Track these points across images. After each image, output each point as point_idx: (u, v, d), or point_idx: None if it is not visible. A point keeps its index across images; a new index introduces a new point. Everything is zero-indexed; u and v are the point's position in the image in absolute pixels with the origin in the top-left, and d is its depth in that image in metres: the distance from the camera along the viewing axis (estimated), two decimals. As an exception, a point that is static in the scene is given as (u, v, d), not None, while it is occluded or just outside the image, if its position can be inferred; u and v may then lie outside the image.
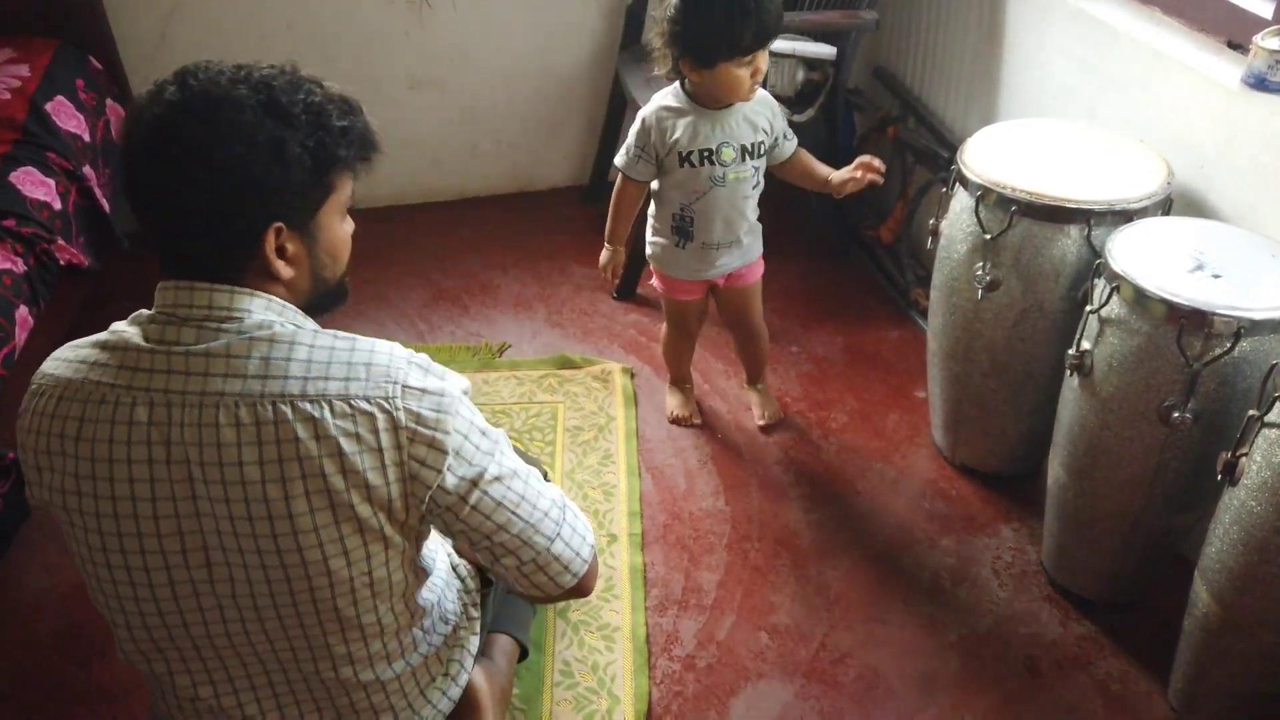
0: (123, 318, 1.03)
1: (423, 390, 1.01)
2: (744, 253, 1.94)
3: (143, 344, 0.98)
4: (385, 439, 0.98)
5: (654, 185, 1.90)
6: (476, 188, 2.98)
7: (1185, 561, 1.57)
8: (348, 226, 1.09)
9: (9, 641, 1.73)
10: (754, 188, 1.86)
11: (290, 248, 1.00)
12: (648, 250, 1.99)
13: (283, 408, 0.96)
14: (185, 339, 0.97)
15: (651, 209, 1.94)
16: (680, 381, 2.22)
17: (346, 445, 0.97)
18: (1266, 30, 1.60)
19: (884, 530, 1.92)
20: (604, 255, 1.97)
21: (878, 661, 1.67)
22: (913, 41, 2.58)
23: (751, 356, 2.17)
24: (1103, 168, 1.70)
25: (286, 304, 1.03)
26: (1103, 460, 1.58)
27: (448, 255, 2.73)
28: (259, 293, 1.00)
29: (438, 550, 1.32)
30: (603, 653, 1.68)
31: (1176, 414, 1.44)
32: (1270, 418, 1.29)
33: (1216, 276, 1.44)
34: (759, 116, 1.81)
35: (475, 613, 1.37)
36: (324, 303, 1.10)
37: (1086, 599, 1.76)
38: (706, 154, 1.79)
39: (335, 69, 2.62)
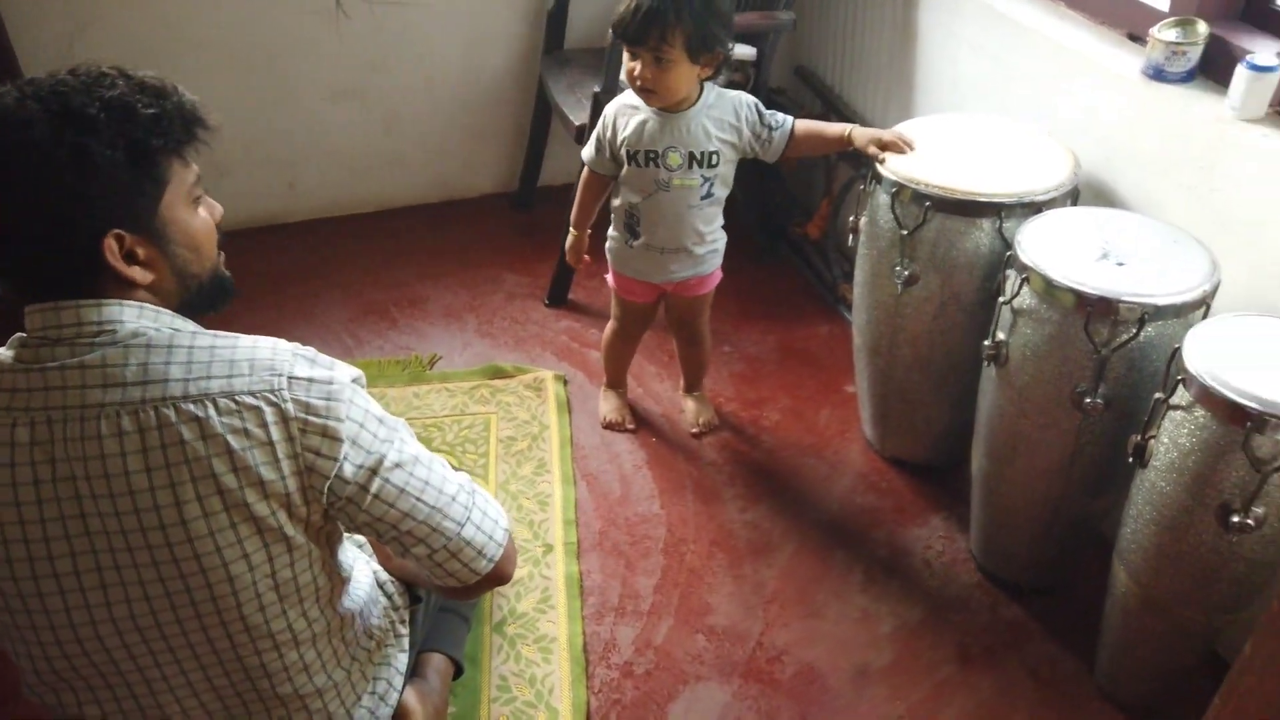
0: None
1: (310, 380, 1.00)
2: (697, 264, 1.92)
3: (16, 365, 0.96)
4: (275, 432, 0.97)
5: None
6: (402, 198, 2.94)
7: (1106, 543, 1.61)
8: (205, 214, 1.05)
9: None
10: (704, 198, 1.82)
11: (141, 251, 0.97)
12: (607, 245, 1.97)
13: (165, 411, 0.94)
14: (59, 356, 0.95)
15: (612, 206, 1.93)
16: (616, 385, 2.21)
17: (235, 442, 0.95)
18: (1163, 22, 1.64)
19: (818, 525, 1.93)
20: (569, 239, 1.97)
21: (813, 657, 1.68)
22: (831, 40, 2.61)
23: (693, 363, 2.16)
24: (1013, 160, 1.73)
25: (160, 309, 1.00)
26: (1021, 448, 1.61)
27: (374, 267, 2.69)
28: (128, 301, 0.97)
29: (358, 561, 1.30)
30: (540, 665, 1.67)
31: (1088, 399, 1.47)
32: (1174, 400, 1.33)
33: (1121, 264, 1.47)
34: (719, 124, 1.78)
35: (403, 629, 1.35)
36: (204, 300, 1.07)
37: (1014, 584, 1.79)
38: (652, 156, 1.78)
39: (251, 84, 2.59)
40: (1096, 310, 1.42)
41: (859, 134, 1.80)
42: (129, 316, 0.96)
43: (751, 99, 1.83)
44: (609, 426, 2.17)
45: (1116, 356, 1.44)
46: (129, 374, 0.94)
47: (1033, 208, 1.64)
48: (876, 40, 2.39)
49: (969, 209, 1.65)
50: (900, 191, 1.70)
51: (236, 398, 0.96)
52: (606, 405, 2.20)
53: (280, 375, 0.98)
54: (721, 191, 1.86)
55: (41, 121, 0.90)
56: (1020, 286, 1.52)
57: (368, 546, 1.41)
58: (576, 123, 2.32)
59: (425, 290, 2.61)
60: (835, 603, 1.78)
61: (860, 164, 2.36)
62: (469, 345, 2.42)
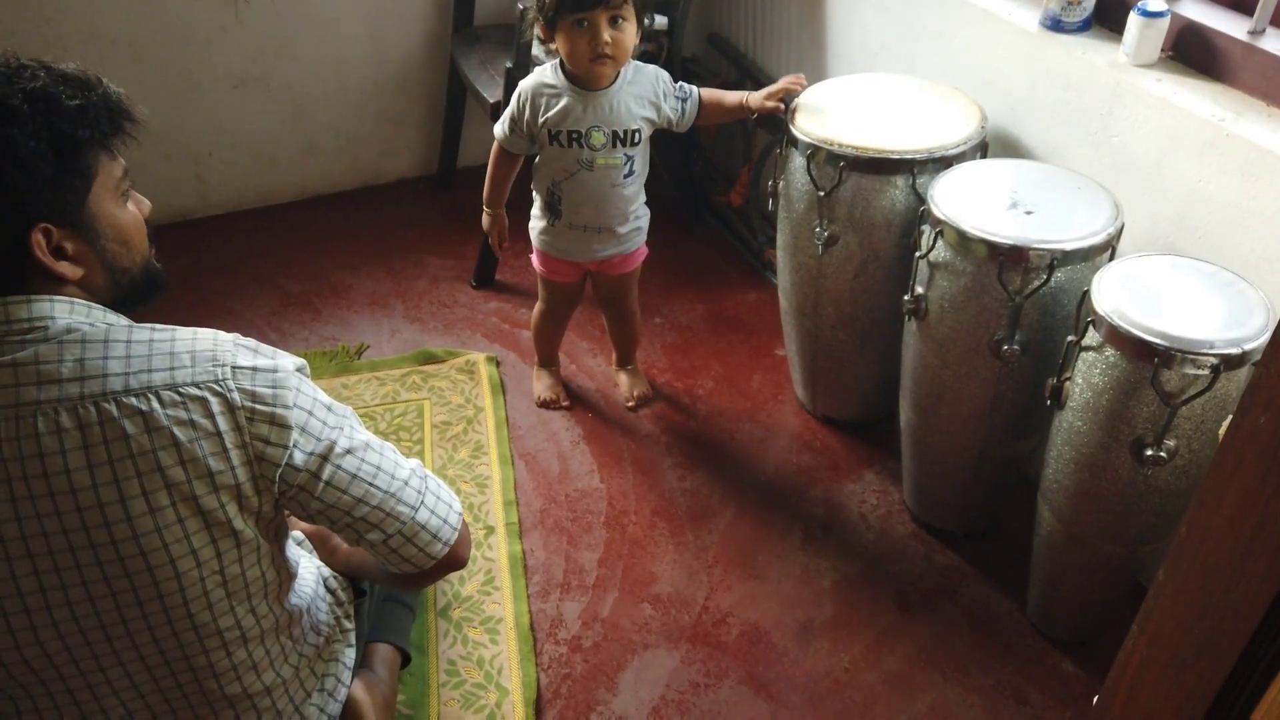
0: None
1: (254, 369, 0.99)
2: (621, 243, 1.92)
3: None
4: (223, 422, 0.95)
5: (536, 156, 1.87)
6: (318, 186, 2.87)
7: (1032, 486, 1.66)
8: (133, 207, 1.03)
9: None
10: (626, 176, 1.82)
11: (69, 246, 0.95)
12: (530, 224, 1.95)
13: (106, 406, 0.92)
14: None
15: (533, 186, 1.90)
16: (548, 364, 2.21)
17: (181, 434, 0.93)
18: (1057, -27, 1.68)
19: (756, 488, 1.96)
20: (485, 219, 1.95)
21: (758, 617, 1.71)
22: (741, 6, 2.61)
23: (623, 338, 2.16)
24: (923, 117, 1.76)
25: (91, 304, 0.97)
26: (945, 398, 1.65)
27: (294, 259, 2.63)
28: (58, 297, 0.94)
29: (302, 559, 1.28)
30: (488, 646, 1.67)
31: (1006, 347, 1.51)
32: (1086, 341, 1.37)
33: (1029, 213, 1.51)
34: (639, 101, 1.77)
35: (349, 624, 1.34)
36: (135, 294, 1.04)
37: (947, 531, 1.84)
38: (575, 135, 1.76)
39: (148, 74, 2.50)
40: (1008, 259, 1.46)
41: (753, 99, 1.82)
42: (60, 312, 0.94)
43: (663, 72, 1.82)
44: (544, 405, 2.16)
45: (1030, 303, 1.48)
46: (65, 370, 0.91)
47: (944, 162, 1.67)
48: (785, 4, 2.40)
49: (883, 167, 1.68)
50: (815, 153, 1.72)
51: (180, 389, 0.94)
52: (540, 384, 2.19)
53: (224, 365, 0.97)
54: (642, 168, 1.86)
55: None
56: (935, 240, 1.55)
57: (308, 543, 1.39)
58: (491, 100, 2.28)
59: (348, 279, 2.56)
60: (776, 562, 1.81)
61: (777, 128, 2.38)
62: (397, 332, 2.39)
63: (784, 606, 1.73)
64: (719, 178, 2.74)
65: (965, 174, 1.62)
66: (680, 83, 1.85)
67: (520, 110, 1.79)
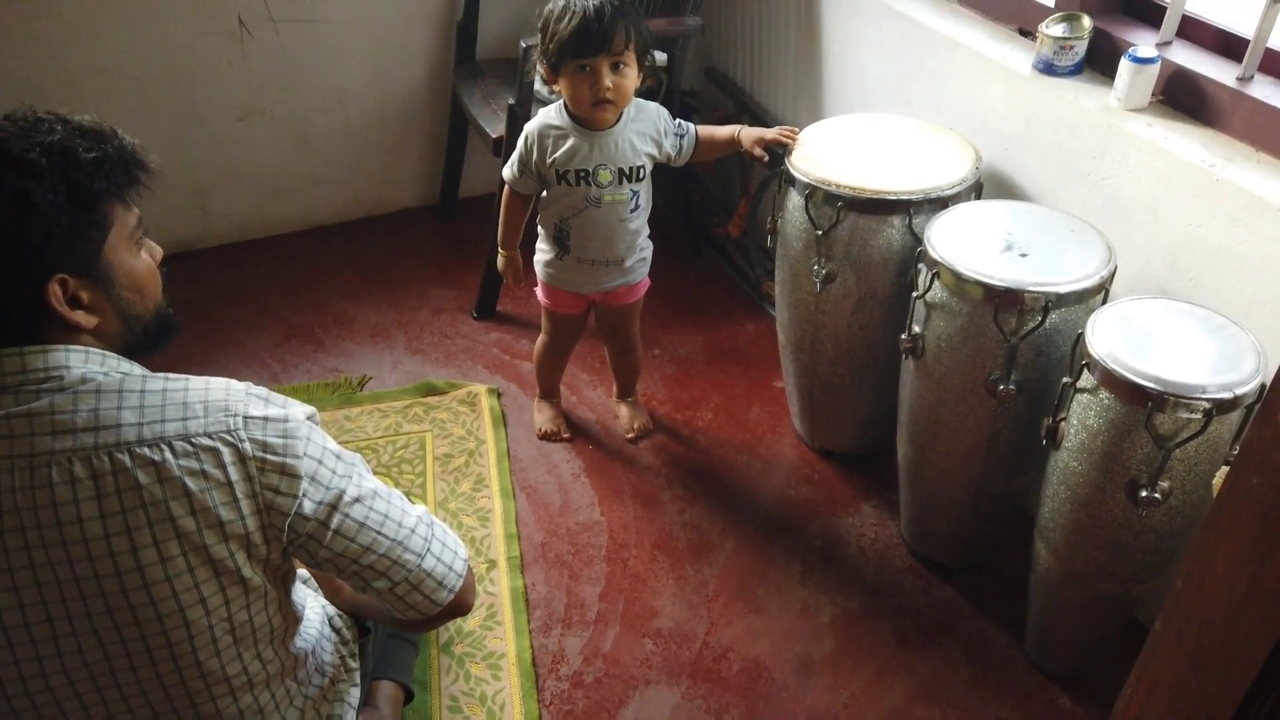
0: None
1: (265, 419, 1.00)
2: (626, 274, 1.94)
3: None
4: (234, 472, 0.97)
5: (544, 192, 1.89)
6: (321, 216, 2.90)
7: (1028, 521, 1.68)
8: (146, 256, 1.05)
9: None
10: (633, 210, 1.85)
11: (85, 295, 0.97)
12: (535, 258, 1.97)
13: (120, 456, 0.93)
14: (5, 405, 0.93)
15: (539, 221, 1.93)
16: (549, 396, 2.22)
17: (193, 484, 0.95)
18: (1050, 17, 1.71)
19: (755, 521, 1.98)
20: (500, 261, 1.98)
21: (758, 652, 1.72)
22: (739, 42, 2.65)
23: (625, 370, 2.18)
24: (919, 157, 1.79)
25: (106, 353, 0.99)
26: (942, 434, 1.67)
27: (297, 289, 2.65)
28: (74, 346, 0.96)
29: (308, 599, 1.30)
30: (490, 682, 1.68)
31: (1002, 386, 1.53)
32: (1080, 383, 1.40)
33: (1024, 255, 1.54)
34: (642, 138, 1.81)
35: (354, 664, 1.35)
36: (149, 340, 1.06)
37: (945, 565, 1.86)
38: (583, 174, 1.79)
39: (154, 107, 2.53)
40: (1004, 301, 1.48)
41: (745, 135, 1.87)
42: (75, 362, 0.95)
43: (663, 109, 1.86)
44: (545, 437, 2.18)
45: (1025, 344, 1.50)
46: (79, 420, 0.93)
47: (939, 203, 1.70)
48: (782, 41, 2.44)
49: (879, 207, 1.71)
50: (813, 193, 1.75)
51: (193, 440, 0.95)
52: (541, 416, 2.21)
53: (235, 415, 0.98)
54: (647, 201, 1.89)
55: None
56: (931, 281, 1.58)
57: (313, 582, 1.40)
58: (493, 135, 2.31)
59: (351, 310, 2.58)
60: (776, 596, 1.82)
61: (775, 164, 2.41)
62: (399, 363, 2.41)
63: (784, 641, 1.74)
64: (717, 209, 2.77)
65: (961, 215, 1.65)
66: (678, 120, 1.88)
67: (528, 152, 1.81)
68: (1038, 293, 1.47)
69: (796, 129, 1.86)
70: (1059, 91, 1.68)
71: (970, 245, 1.56)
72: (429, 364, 2.40)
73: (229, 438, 0.97)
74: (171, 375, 1.01)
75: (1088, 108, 1.63)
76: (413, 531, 1.10)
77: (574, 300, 1.99)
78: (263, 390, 1.04)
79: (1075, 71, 1.71)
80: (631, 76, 1.71)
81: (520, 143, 1.83)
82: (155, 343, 1.08)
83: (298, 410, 1.04)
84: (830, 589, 1.83)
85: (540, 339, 2.13)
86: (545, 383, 2.21)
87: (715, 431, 2.20)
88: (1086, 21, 1.68)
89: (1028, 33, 1.85)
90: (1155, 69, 1.58)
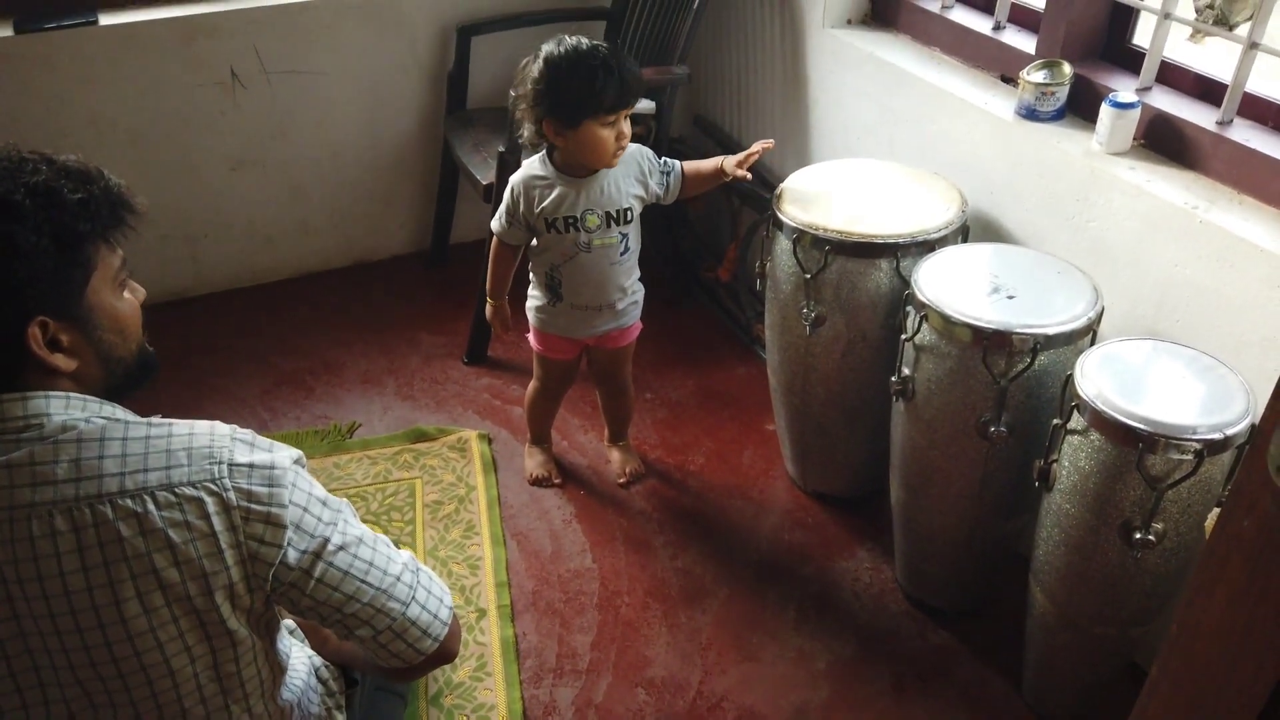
0: None
1: (251, 465, 0.98)
2: (619, 318, 1.94)
3: None
4: (218, 522, 0.95)
5: (533, 241, 1.90)
6: (312, 264, 2.90)
7: (1024, 562, 1.67)
8: (130, 296, 1.04)
9: None
10: (623, 253, 1.85)
11: (65, 338, 0.95)
12: (527, 304, 1.97)
13: (101, 508, 0.91)
14: None
15: (531, 269, 1.93)
16: (540, 441, 2.21)
17: (176, 536, 0.93)
18: (1030, 65, 1.74)
19: (748, 567, 1.96)
20: (488, 310, 1.98)
21: (753, 701, 1.70)
22: (727, 90, 2.69)
23: (617, 414, 2.17)
24: (905, 201, 1.81)
25: (87, 398, 0.97)
26: (934, 477, 1.66)
27: (287, 337, 2.65)
28: (53, 392, 0.94)
29: (294, 649, 1.27)
30: (480, 735, 1.65)
31: (993, 428, 1.53)
32: (1071, 425, 1.40)
33: (1012, 297, 1.55)
34: (627, 180, 1.82)
35: (340, 716, 1.32)
36: (129, 381, 1.04)
37: (940, 609, 1.84)
38: (571, 220, 1.80)
39: (148, 158, 2.54)
40: (992, 343, 1.49)
41: (728, 163, 1.87)
42: (56, 409, 0.94)
43: (645, 149, 1.87)
44: (535, 482, 2.17)
45: (1015, 386, 1.51)
46: (60, 471, 0.91)
47: (926, 246, 1.71)
48: (769, 89, 2.47)
49: (867, 250, 1.72)
50: (801, 237, 1.76)
51: (176, 490, 0.94)
52: (532, 461, 2.20)
53: (220, 464, 0.96)
54: (636, 244, 1.90)
55: None
56: (920, 324, 1.58)
57: (299, 631, 1.38)
58: (484, 182, 2.33)
59: (340, 356, 2.58)
60: (771, 643, 1.80)
61: (764, 206, 2.43)
62: (389, 409, 2.40)
63: (779, 690, 1.71)
64: (706, 254, 2.79)
65: (947, 258, 1.66)
66: (664, 158, 1.90)
67: (515, 204, 1.82)
68: (1026, 334, 1.47)
69: (771, 140, 1.88)
70: (1042, 136, 1.71)
71: (958, 287, 1.57)
72: (419, 410, 2.39)
73: (213, 486, 0.96)
74: (155, 420, 0.99)
75: (1070, 152, 1.65)
76: (397, 579, 1.08)
77: (566, 345, 1.99)
78: (248, 434, 1.02)
79: (1057, 117, 1.74)
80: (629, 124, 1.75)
81: (507, 195, 1.84)
82: (136, 383, 1.06)
83: (284, 456, 1.02)
84: (826, 635, 1.81)
85: (532, 385, 2.12)
86: (536, 428, 2.20)
87: (707, 475, 2.19)
88: (1067, 68, 1.71)
89: (1010, 79, 1.88)
90: (1136, 114, 1.61)
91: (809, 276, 1.76)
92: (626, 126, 1.74)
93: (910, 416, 1.66)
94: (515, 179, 1.83)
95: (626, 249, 1.87)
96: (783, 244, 1.82)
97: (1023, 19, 1.93)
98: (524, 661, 1.77)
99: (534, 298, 1.96)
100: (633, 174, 1.84)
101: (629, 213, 1.83)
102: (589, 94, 1.66)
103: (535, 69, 1.70)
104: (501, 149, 2.24)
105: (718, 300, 2.71)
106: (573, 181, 1.79)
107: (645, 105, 2.42)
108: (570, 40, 1.70)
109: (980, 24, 1.97)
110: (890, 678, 1.73)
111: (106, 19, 2.42)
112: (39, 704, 0.96)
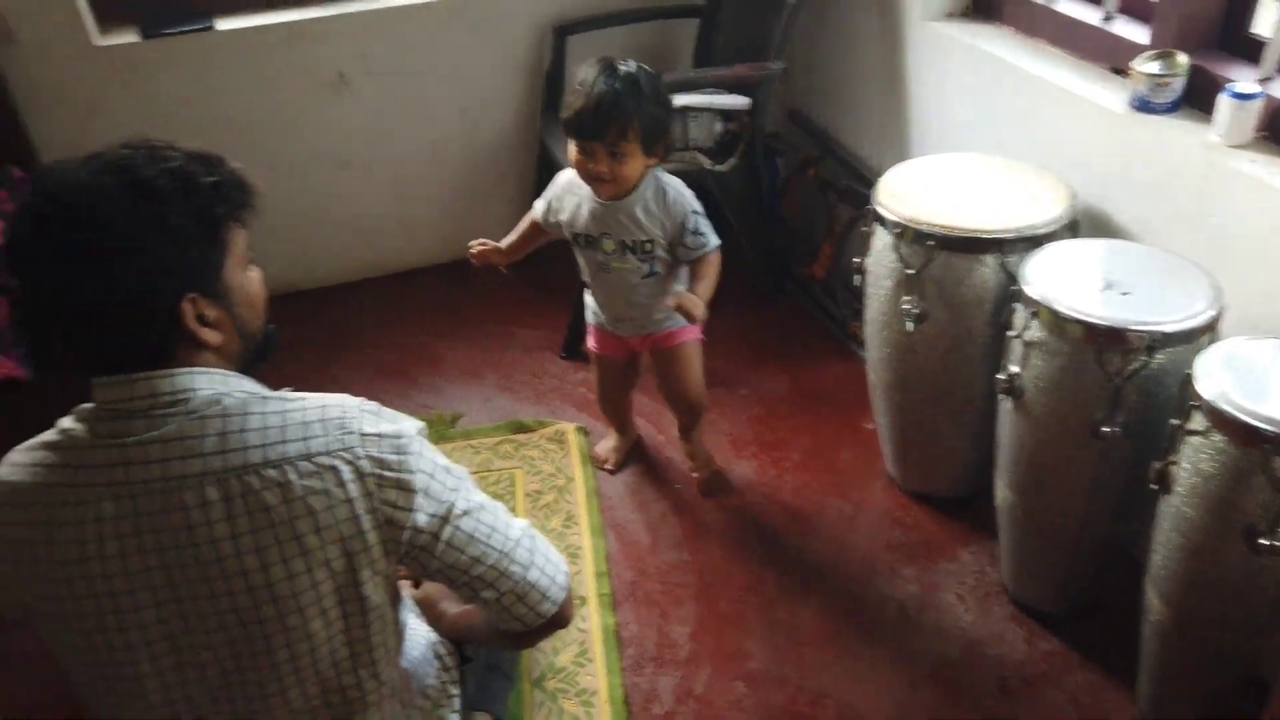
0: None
1: (379, 435, 1.03)
2: (650, 326, 1.93)
3: (95, 441, 0.98)
4: (353, 489, 1.00)
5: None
6: (413, 259, 3.00)
7: (1137, 566, 1.63)
8: (255, 274, 1.10)
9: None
10: (645, 277, 1.82)
11: (210, 313, 1.01)
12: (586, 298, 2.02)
13: (249, 479, 0.97)
14: (135, 430, 0.97)
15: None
16: (618, 429, 2.25)
17: (316, 503, 0.98)
18: (1143, 55, 1.70)
19: (847, 565, 1.96)
20: (474, 243, 1.98)
21: (853, 698, 1.70)
22: (823, 85, 2.67)
23: (679, 414, 2.13)
24: (1011, 196, 1.78)
25: (228, 372, 1.03)
26: (1044, 477, 1.64)
27: (391, 329, 2.74)
28: (197, 368, 1.00)
29: (410, 620, 1.33)
30: (581, 719, 1.69)
31: (1106, 428, 1.50)
32: (1191, 425, 1.36)
33: (1126, 294, 1.51)
34: (652, 218, 1.76)
35: (454, 690, 1.37)
36: (258, 354, 1.11)
37: (1048, 613, 1.81)
38: (590, 239, 1.81)
39: (260, 156, 2.64)
40: (1106, 340, 1.46)
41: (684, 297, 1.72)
42: (201, 384, 0.99)
43: (693, 208, 1.78)
44: (594, 460, 2.23)
45: (1130, 385, 1.47)
46: (208, 445, 0.97)
47: (1034, 241, 1.68)
48: (867, 84, 2.45)
49: (972, 246, 1.70)
50: (903, 232, 1.75)
51: (314, 459, 0.99)
52: (602, 443, 2.26)
53: (352, 433, 1.01)
54: (668, 271, 1.84)
55: (119, 194, 0.94)
56: (1029, 320, 1.56)
57: (416, 608, 1.43)
58: (581, 180, 2.37)
59: (442, 349, 2.65)
60: (871, 642, 1.80)
61: (861, 202, 2.41)
62: (489, 401, 2.46)
63: (880, 689, 1.71)
64: (801, 249, 2.78)
65: (1057, 253, 1.63)
66: (706, 233, 1.79)
67: (553, 197, 1.86)
68: (1142, 331, 1.44)
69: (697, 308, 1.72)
70: (1156, 129, 1.66)
71: (1069, 284, 1.54)
72: (518, 402, 2.45)
73: (348, 455, 1.00)
74: (288, 394, 1.05)
75: (1187, 145, 1.61)
76: (517, 543, 1.12)
77: (612, 342, 2.00)
78: (374, 405, 1.07)
79: (1172, 109, 1.69)
80: (632, 164, 1.69)
81: (550, 186, 1.86)
82: (262, 356, 1.12)
83: (409, 425, 1.07)
84: (928, 636, 1.80)
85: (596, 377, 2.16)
86: (609, 418, 2.24)
87: (803, 473, 2.19)
88: (1182, 58, 1.66)
89: (1121, 71, 1.83)
90: (1258, 105, 1.55)
91: (911, 272, 1.74)
92: (606, 164, 1.67)
93: (1018, 415, 1.63)
94: (561, 175, 1.85)
95: (651, 274, 1.83)
96: (883, 239, 1.81)
97: (1134, 9, 1.87)
98: (624, 649, 1.81)
99: (588, 297, 1.99)
100: (656, 211, 1.77)
101: (649, 245, 1.78)
102: (563, 116, 1.67)
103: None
104: (600, 147, 2.27)
105: (813, 297, 2.70)
106: (596, 203, 1.78)
107: (739, 101, 2.42)
108: (601, 60, 1.67)
109: (1089, 15, 1.92)
110: (995, 681, 1.71)
111: (223, 24, 2.54)
112: (193, 664, 1.03)
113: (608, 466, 2.21)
